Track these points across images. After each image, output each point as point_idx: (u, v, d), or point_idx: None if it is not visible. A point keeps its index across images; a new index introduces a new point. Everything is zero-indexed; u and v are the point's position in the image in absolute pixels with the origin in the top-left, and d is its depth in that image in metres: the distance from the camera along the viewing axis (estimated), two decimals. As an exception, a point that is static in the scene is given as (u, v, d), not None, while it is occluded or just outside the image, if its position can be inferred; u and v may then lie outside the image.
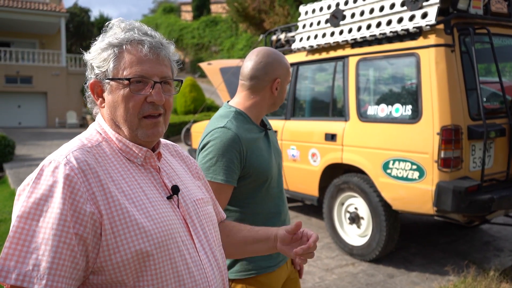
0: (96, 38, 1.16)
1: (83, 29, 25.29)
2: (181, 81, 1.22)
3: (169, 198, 1.14)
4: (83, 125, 22.16)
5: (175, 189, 1.16)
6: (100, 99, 1.14)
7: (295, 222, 1.27)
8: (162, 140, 1.30)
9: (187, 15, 33.50)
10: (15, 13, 20.60)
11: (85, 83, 1.17)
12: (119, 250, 0.99)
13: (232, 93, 6.91)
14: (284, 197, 1.91)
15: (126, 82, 1.08)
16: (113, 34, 1.12)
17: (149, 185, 1.12)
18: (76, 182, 0.98)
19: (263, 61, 1.77)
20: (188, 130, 7.55)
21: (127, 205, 1.03)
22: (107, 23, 1.16)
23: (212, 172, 1.65)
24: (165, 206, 1.11)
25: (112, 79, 1.09)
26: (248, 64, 1.79)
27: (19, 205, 0.96)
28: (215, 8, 30.91)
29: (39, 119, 22.38)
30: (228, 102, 1.87)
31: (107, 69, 1.09)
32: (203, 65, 7.68)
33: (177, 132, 14.14)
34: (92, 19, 26.46)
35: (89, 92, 1.15)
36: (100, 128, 1.16)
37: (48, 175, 0.98)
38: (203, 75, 21.38)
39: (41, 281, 0.91)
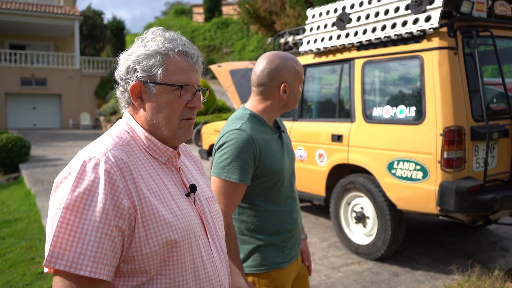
0: (134, 41, 1.25)
1: (97, 32, 25.62)
2: (210, 90, 1.35)
3: (187, 195, 1.24)
4: (97, 126, 22.46)
5: (193, 188, 1.27)
6: (139, 100, 1.22)
7: None
8: None
9: (198, 17, 33.74)
10: (30, 16, 20.99)
11: (117, 84, 1.26)
12: (148, 242, 1.09)
13: (241, 95, 7.01)
14: (296, 197, 1.98)
15: (176, 87, 1.18)
16: (158, 42, 1.21)
17: (171, 182, 1.22)
18: (115, 179, 1.07)
19: (267, 68, 1.83)
20: (199, 131, 7.66)
21: (155, 201, 1.13)
22: (146, 30, 1.26)
23: (226, 171, 1.74)
24: (185, 203, 1.22)
25: (162, 84, 1.18)
26: (256, 70, 1.87)
27: (61, 197, 1.05)
28: (227, 10, 31.10)
29: (54, 120, 22.77)
30: (244, 104, 1.95)
31: (154, 74, 1.18)
32: (213, 67, 7.79)
33: (189, 133, 14.19)
34: (105, 21, 26.75)
35: (122, 91, 1.24)
36: (128, 127, 1.24)
37: (90, 171, 1.06)
38: (214, 76, 21.54)
39: (86, 268, 1.01)
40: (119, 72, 1.23)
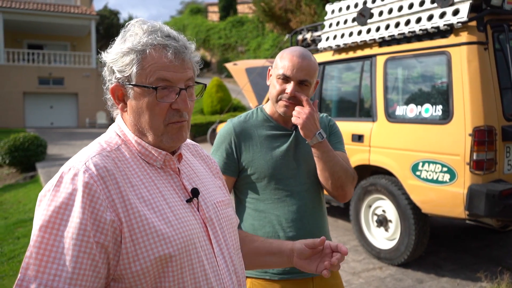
0: (115, 38, 1.12)
1: (113, 31, 25.83)
2: (205, 85, 1.17)
3: (188, 201, 1.11)
4: (112, 125, 22.63)
5: (195, 192, 1.13)
6: (122, 103, 1.10)
7: (320, 238, 1.23)
8: None
9: (214, 15, 33.75)
10: (48, 16, 21.26)
11: (104, 85, 1.13)
12: (138, 258, 0.97)
13: (257, 93, 6.88)
14: (307, 207, 1.72)
15: (152, 89, 1.04)
16: (135, 36, 1.06)
17: (168, 188, 1.09)
18: (95, 190, 0.96)
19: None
20: (214, 130, 7.57)
21: (146, 211, 1.01)
22: (127, 23, 1.12)
23: None
24: (185, 210, 1.08)
25: (136, 85, 1.05)
26: None
27: (40, 213, 0.95)
28: (242, 8, 31.02)
29: (70, 119, 22.99)
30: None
31: (130, 74, 1.05)
32: (228, 65, 7.68)
33: (204, 132, 14.23)
34: (122, 21, 26.95)
35: (109, 95, 1.12)
36: (120, 130, 1.13)
37: (67, 183, 0.96)
38: (229, 75, 21.47)
39: None
40: (104, 72, 1.11)
